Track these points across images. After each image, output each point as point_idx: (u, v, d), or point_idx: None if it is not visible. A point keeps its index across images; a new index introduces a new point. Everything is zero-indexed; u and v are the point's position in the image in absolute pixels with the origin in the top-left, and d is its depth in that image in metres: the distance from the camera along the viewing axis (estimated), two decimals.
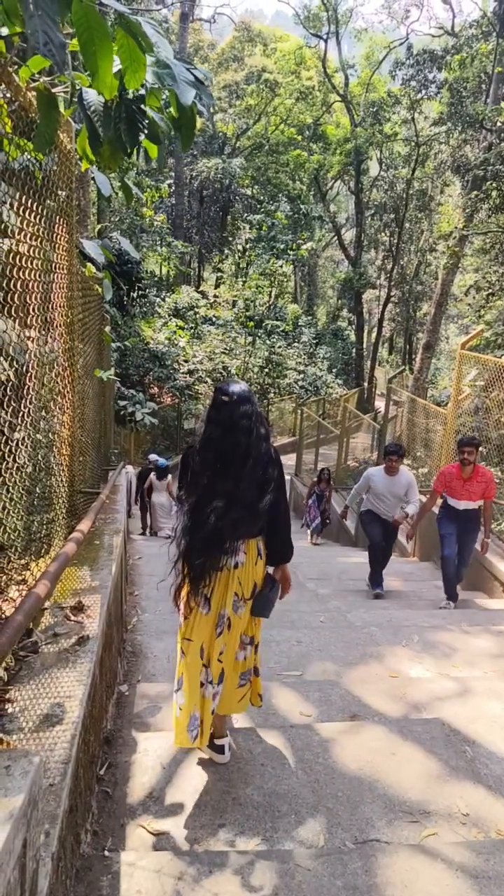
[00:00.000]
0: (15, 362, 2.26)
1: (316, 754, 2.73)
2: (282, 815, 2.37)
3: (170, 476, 10.33)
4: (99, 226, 15.77)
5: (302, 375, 23.52)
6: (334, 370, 26.60)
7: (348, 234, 35.16)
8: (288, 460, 16.79)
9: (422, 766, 2.71)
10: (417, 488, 6.07)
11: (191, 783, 2.50)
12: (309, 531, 10.97)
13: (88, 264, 4.37)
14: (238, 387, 2.50)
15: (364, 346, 32.69)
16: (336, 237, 34.43)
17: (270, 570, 2.78)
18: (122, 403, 12.90)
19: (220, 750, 2.66)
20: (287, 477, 2.94)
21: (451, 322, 34.16)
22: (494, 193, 15.48)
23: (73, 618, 2.41)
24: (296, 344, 24.76)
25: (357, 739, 2.87)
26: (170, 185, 25.09)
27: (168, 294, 22.77)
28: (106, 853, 2.04)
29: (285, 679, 3.72)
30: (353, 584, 6.79)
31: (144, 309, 19.25)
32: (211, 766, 2.62)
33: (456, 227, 17.63)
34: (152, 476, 10.17)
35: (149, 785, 2.48)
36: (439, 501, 5.97)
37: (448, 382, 23.99)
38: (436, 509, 6.14)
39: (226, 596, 2.53)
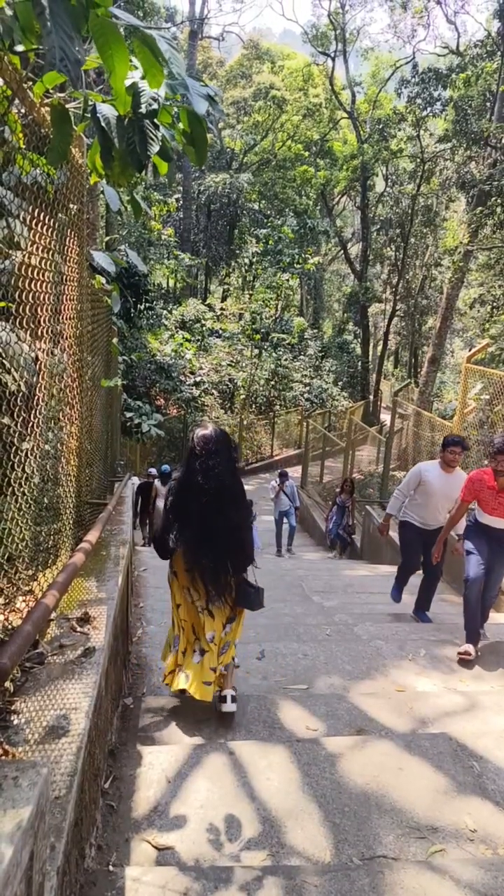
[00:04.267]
0: (25, 373, 2.28)
1: (322, 769, 2.71)
2: (288, 831, 2.34)
3: None
4: (107, 238, 15.92)
5: (308, 388, 23.55)
6: (340, 383, 26.62)
7: (354, 249, 35.36)
8: (294, 472, 16.79)
9: (429, 782, 2.69)
10: None
11: (196, 798, 2.48)
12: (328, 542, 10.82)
13: (98, 276, 4.41)
14: (212, 436, 3.15)
15: (370, 359, 32.75)
16: (342, 251, 34.61)
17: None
18: (128, 415, 12.97)
19: (225, 699, 3.27)
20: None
21: (457, 336, 34.22)
22: (499, 209, 15.58)
23: (79, 629, 2.40)
24: (302, 357, 24.81)
25: (364, 754, 2.84)
26: (178, 200, 25.38)
27: (175, 306, 22.91)
28: (110, 868, 2.02)
29: (291, 692, 3.69)
30: (359, 597, 6.76)
31: (151, 321, 19.37)
32: (217, 780, 2.60)
33: (461, 243, 17.71)
34: (157, 483, 10.29)
35: (154, 799, 2.46)
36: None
37: (453, 396, 23.97)
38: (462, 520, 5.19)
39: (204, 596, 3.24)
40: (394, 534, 7.85)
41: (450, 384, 33.51)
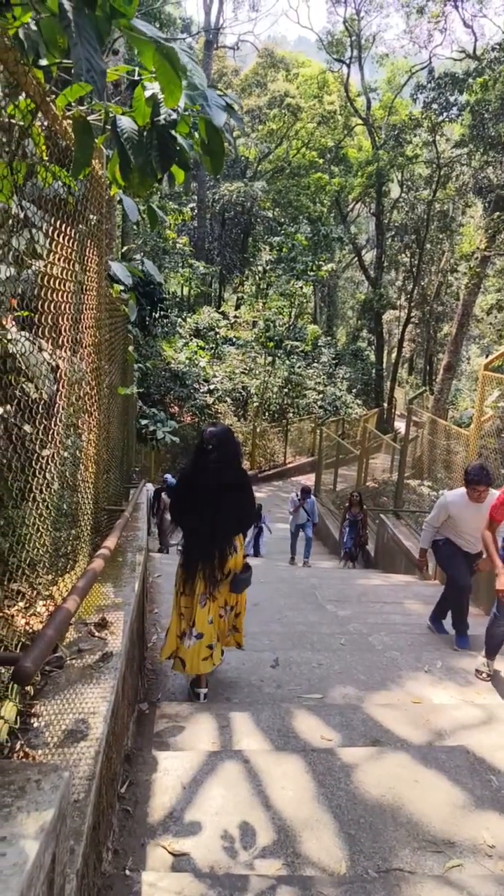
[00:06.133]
0: (46, 381, 2.31)
1: (338, 779, 2.70)
2: (303, 841, 2.33)
3: None
4: (123, 248, 16.06)
5: (321, 395, 23.52)
6: (354, 390, 26.56)
7: (368, 256, 35.32)
8: (307, 480, 16.76)
9: (446, 795, 2.66)
10: None
11: (211, 805, 2.48)
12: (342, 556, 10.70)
13: (115, 285, 4.45)
14: (216, 431, 3.44)
15: (384, 366, 32.65)
16: (356, 258, 34.58)
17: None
18: (143, 422, 13.05)
19: (198, 696, 3.66)
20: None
21: (473, 342, 34.04)
22: None
23: (96, 634, 2.42)
24: (315, 364, 24.80)
25: (379, 766, 2.83)
26: (192, 209, 25.52)
27: (189, 314, 23.04)
28: (127, 872, 2.03)
29: (306, 702, 3.68)
30: (373, 606, 6.72)
31: (166, 329, 19.48)
32: (232, 788, 2.60)
33: (478, 248, 17.64)
34: (163, 496, 10.36)
35: (169, 805, 2.47)
36: None
37: (469, 403, 23.82)
38: None
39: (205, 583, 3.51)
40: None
41: (466, 392, 33.31)
